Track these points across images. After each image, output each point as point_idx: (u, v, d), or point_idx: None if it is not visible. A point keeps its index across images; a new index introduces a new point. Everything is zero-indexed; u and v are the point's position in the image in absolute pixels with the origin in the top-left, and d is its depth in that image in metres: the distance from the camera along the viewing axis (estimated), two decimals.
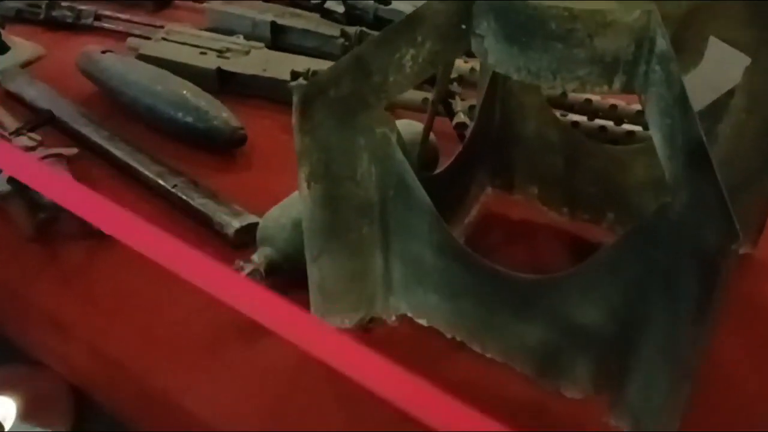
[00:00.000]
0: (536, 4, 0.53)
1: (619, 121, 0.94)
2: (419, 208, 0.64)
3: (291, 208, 0.81)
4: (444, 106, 0.96)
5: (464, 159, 0.81)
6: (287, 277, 0.80)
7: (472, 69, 1.07)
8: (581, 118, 0.94)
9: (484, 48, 0.58)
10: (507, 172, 0.89)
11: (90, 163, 0.96)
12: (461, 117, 0.92)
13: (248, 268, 0.77)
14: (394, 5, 1.20)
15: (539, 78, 0.56)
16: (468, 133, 0.84)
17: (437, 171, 0.81)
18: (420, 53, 0.60)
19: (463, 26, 0.59)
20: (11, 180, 0.82)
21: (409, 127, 0.92)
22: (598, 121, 0.94)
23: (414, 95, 1.05)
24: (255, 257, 0.78)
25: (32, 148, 0.86)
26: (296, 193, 0.84)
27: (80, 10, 1.32)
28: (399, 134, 0.65)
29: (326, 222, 0.67)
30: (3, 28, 1.25)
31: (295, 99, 0.60)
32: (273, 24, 1.19)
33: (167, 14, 1.37)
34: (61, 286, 0.83)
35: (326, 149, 0.63)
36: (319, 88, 0.60)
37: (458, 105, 0.94)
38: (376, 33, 1.14)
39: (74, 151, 0.84)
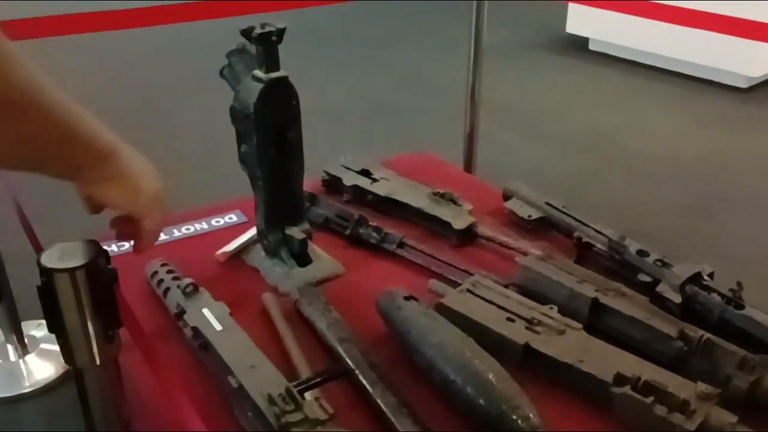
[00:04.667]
0: None
1: None
2: None
3: None
4: None
5: None
6: None
7: None
8: None
9: None
10: None
11: (370, 430, 0.84)
12: None
13: None
14: (748, 311, 0.99)
15: None
16: None
17: None
18: None
19: None
20: None
21: None
22: None
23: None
24: None
25: (322, 422, 0.76)
26: None
27: (386, 234, 1.28)
28: None
29: None
30: (311, 239, 1.23)
31: None
32: (594, 301, 1.04)
33: (471, 252, 1.28)
34: None
35: None
36: None
37: None
38: (725, 343, 0.95)
39: None
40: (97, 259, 0.67)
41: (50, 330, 0.70)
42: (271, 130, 1.10)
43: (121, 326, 0.70)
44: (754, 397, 0.88)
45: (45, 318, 0.71)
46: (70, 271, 0.66)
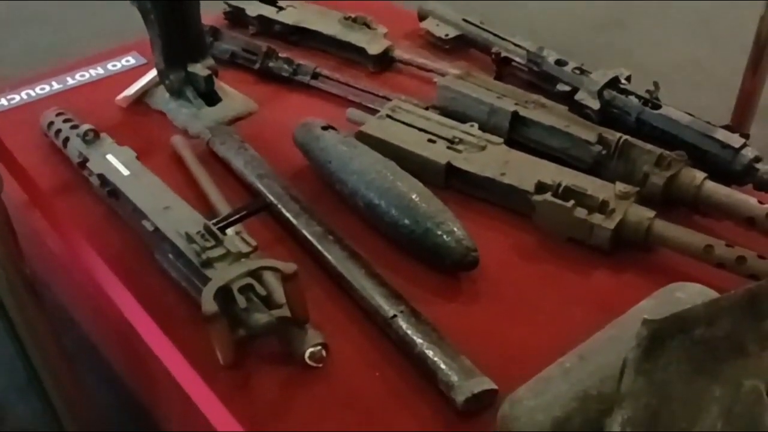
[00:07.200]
0: None
1: None
2: None
3: (549, 397, 0.63)
4: None
5: None
6: None
7: None
8: None
9: None
10: None
11: (298, 261, 0.82)
12: None
13: None
14: (665, 110, 1.00)
15: None
16: None
17: None
18: None
19: None
20: (218, 295, 0.70)
21: (701, 293, 0.72)
22: None
23: (693, 238, 0.84)
24: None
25: (245, 255, 0.74)
26: (552, 370, 0.67)
27: (298, 65, 1.21)
28: None
29: None
30: (217, 76, 1.16)
31: (642, 332, 0.42)
32: (514, 114, 1.02)
33: (389, 78, 1.23)
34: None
35: (663, 396, 0.44)
36: (682, 324, 0.42)
37: None
38: (642, 143, 0.95)
39: (293, 268, 0.71)
40: None
41: None
42: None
43: None
44: (670, 192, 0.90)
45: None
46: None
